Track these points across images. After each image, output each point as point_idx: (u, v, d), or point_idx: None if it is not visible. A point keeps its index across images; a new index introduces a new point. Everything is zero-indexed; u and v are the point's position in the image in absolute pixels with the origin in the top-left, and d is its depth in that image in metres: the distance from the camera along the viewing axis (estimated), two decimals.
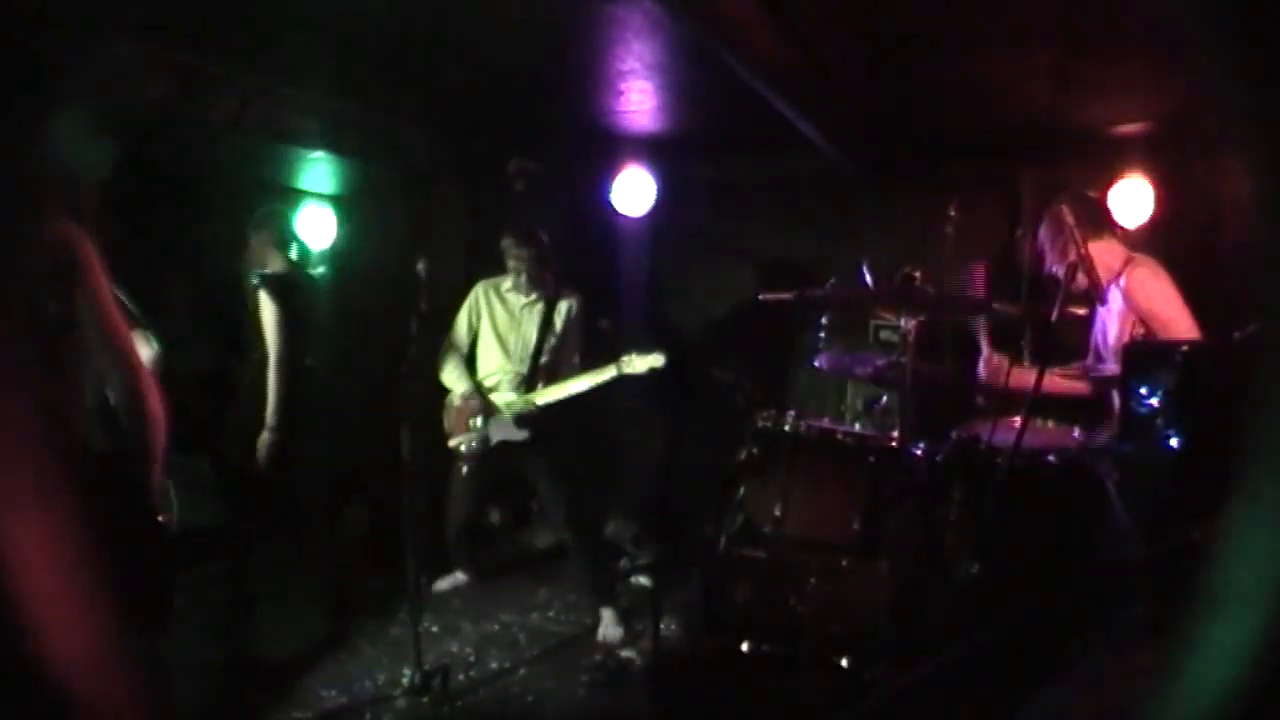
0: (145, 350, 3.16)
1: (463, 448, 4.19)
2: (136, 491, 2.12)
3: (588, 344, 4.32)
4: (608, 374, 3.97)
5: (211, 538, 3.68)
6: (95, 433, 2.19)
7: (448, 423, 4.27)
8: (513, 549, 5.32)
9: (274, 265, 4.03)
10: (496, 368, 4.21)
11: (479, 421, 4.14)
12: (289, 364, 3.88)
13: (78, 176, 2.99)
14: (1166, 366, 2.38)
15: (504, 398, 4.14)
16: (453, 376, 4.23)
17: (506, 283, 4.27)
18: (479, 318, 4.28)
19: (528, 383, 4.14)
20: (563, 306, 4.24)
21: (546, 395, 4.08)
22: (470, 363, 4.29)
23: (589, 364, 4.16)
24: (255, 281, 3.95)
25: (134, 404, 2.12)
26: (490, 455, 4.16)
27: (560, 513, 4.10)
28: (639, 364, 3.93)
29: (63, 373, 2.04)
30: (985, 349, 3.52)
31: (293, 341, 3.90)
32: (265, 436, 3.81)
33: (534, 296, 4.21)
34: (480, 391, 4.17)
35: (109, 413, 2.15)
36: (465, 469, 4.21)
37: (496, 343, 4.23)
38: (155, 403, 2.16)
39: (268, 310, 3.88)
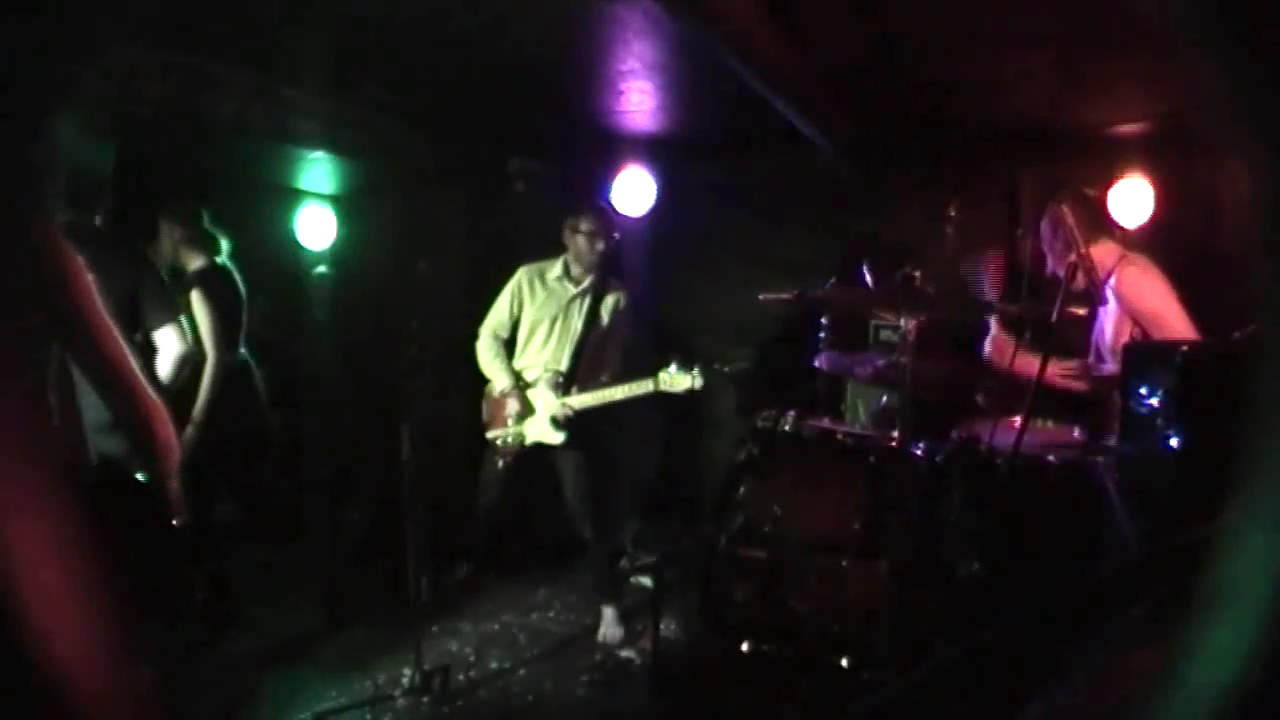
0: (178, 345, 3.15)
1: (499, 442, 4.12)
2: (145, 494, 2.08)
3: (633, 342, 4.24)
4: (644, 388, 3.86)
5: (193, 539, 3.68)
6: (103, 438, 2.14)
7: (486, 412, 4.19)
8: (514, 548, 5.32)
9: (194, 263, 3.97)
10: (537, 361, 4.10)
11: (516, 420, 4.07)
12: (222, 361, 3.86)
13: (73, 180, 2.98)
14: (1166, 366, 2.38)
15: (542, 397, 4.04)
16: (493, 368, 4.12)
17: (554, 270, 4.11)
18: (521, 306, 4.13)
19: (567, 381, 4.04)
20: (610, 300, 4.10)
21: (583, 401, 3.97)
22: (509, 347, 4.18)
23: (626, 364, 4.11)
24: (186, 281, 3.91)
25: (136, 425, 2.00)
26: (525, 454, 4.09)
27: (580, 505, 4.04)
28: (678, 383, 3.81)
29: (56, 378, 1.94)
30: (994, 327, 3.51)
31: (226, 338, 3.90)
32: (189, 432, 3.73)
33: (584, 286, 4.07)
34: (519, 388, 4.07)
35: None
36: (500, 463, 4.14)
37: (539, 334, 4.10)
38: (160, 418, 2.04)
39: (200, 309, 3.83)
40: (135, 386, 2.01)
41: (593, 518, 4.04)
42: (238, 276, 4.10)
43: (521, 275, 4.16)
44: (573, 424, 3.98)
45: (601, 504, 4.08)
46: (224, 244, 4.09)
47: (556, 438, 4.01)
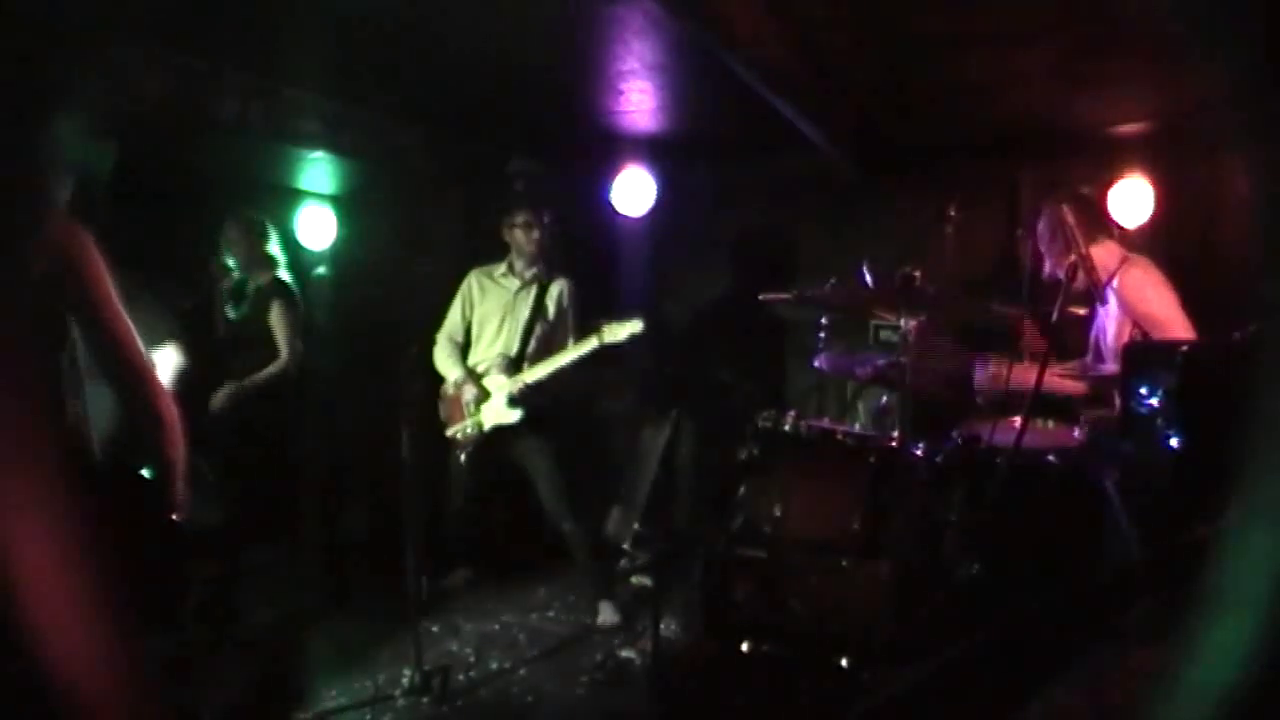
0: (177, 359, 3.18)
1: (459, 435, 4.20)
2: (147, 493, 2.08)
3: (580, 331, 4.32)
4: (589, 345, 3.97)
5: (209, 538, 3.68)
6: (108, 439, 2.16)
7: (444, 412, 4.29)
8: (512, 549, 5.32)
9: (263, 275, 4.09)
10: (489, 355, 4.22)
11: (472, 408, 4.16)
12: (293, 364, 4.01)
13: (81, 177, 2.99)
14: (1166, 366, 2.38)
15: (494, 381, 4.15)
16: (447, 365, 4.26)
17: (499, 268, 4.29)
18: (472, 306, 4.29)
19: (516, 365, 4.15)
20: (554, 290, 4.25)
21: (533, 373, 4.08)
22: (465, 350, 4.30)
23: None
24: (264, 291, 4.05)
25: (148, 416, 2.00)
26: (485, 442, 4.17)
27: (555, 497, 4.08)
28: (619, 332, 3.92)
29: (65, 376, 1.94)
30: (988, 367, 3.47)
31: (303, 347, 4.08)
32: (227, 387, 3.89)
33: (528, 278, 4.23)
34: (473, 377, 4.18)
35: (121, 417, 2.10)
36: (463, 457, 4.22)
37: (489, 328, 4.24)
38: (171, 413, 2.04)
39: (279, 316, 4.01)
40: (146, 372, 2.01)
41: (562, 505, 4.08)
42: (297, 293, 4.24)
43: (471, 277, 4.32)
44: (528, 400, 4.04)
45: (570, 491, 4.11)
46: (283, 261, 4.24)
47: (513, 416, 4.08)
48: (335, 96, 4.28)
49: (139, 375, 1.98)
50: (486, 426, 4.15)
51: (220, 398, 3.91)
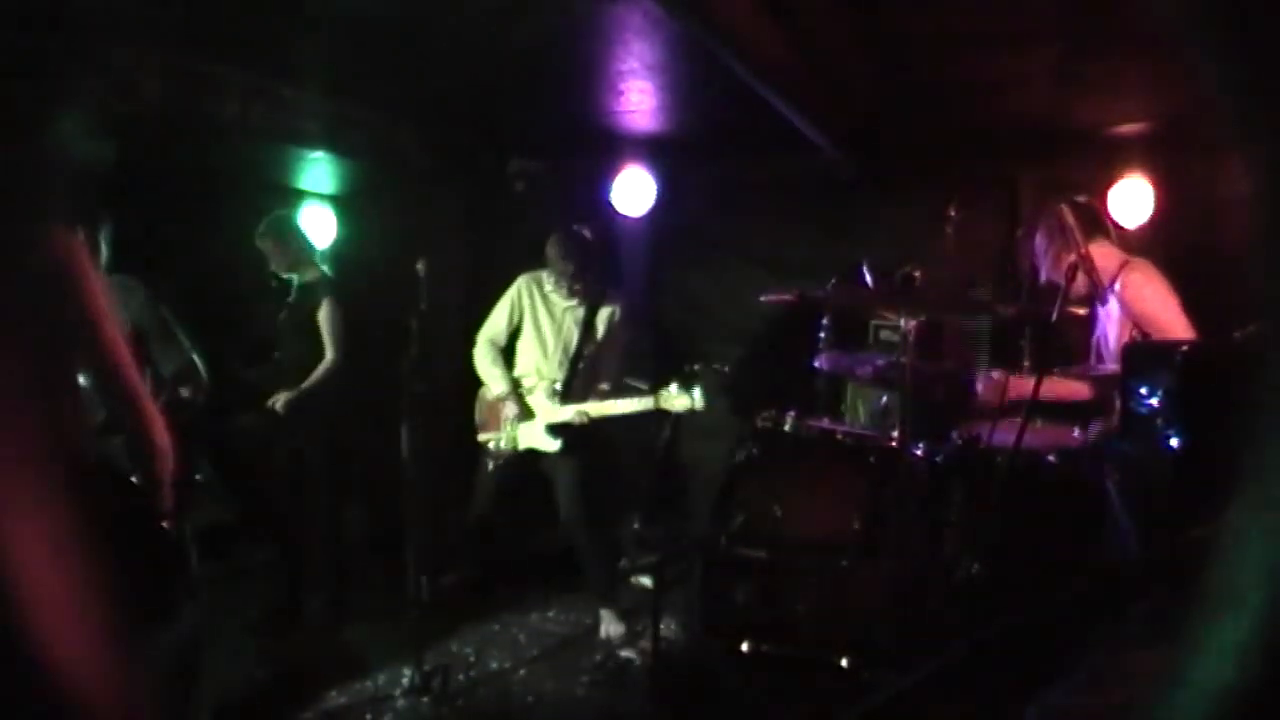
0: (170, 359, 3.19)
1: (491, 445, 4.15)
2: (139, 495, 2.10)
3: (627, 354, 4.27)
4: (644, 405, 3.88)
5: (210, 536, 3.69)
6: (101, 440, 2.19)
7: (479, 416, 4.22)
8: (514, 550, 5.31)
9: (310, 273, 4.15)
10: (534, 369, 4.12)
11: (512, 424, 4.09)
12: (338, 365, 4.10)
13: (76, 179, 2.99)
14: (1166, 366, 2.38)
15: (539, 404, 4.06)
16: (492, 373, 4.14)
17: (550, 280, 4.13)
18: (520, 313, 4.16)
19: (565, 390, 4.05)
20: (604, 312, 4.11)
21: (582, 411, 3.96)
22: (507, 355, 4.21)
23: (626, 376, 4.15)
24: (317, 288, 4.11)
25: (135, 429, 2.03)
26: (517, 458, 4.12)
27: (573, 509, 4.03)
28: (677, 403, 3.81)
29: (66, 380, 1.99)
30: (983, 379, 3.48)
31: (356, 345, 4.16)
32: (286, 395, 4.00)
33: (576, 300, 4.09)
34: (517, 393, 4.10)
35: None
36: (491, 465, 4.16)
37: (536, 342, 4.13)
38: (158, 425, 2.07)
39: (328, 315, 4.07)
40: (138, 392, 2.03)
41: (587, 524, 4.03)
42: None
43: (521, 284, 4.18)
44: (567, 432, 3.99)
45: (596, 510, 4.07)
46: (320, 256, 4.31)
47: (551, 445, 4.02)
48: (335, 96, 4.28)
49: (130, 395, 2.00)
50: (521, 446, 4.09)
51: (280, 402, 4.00)
